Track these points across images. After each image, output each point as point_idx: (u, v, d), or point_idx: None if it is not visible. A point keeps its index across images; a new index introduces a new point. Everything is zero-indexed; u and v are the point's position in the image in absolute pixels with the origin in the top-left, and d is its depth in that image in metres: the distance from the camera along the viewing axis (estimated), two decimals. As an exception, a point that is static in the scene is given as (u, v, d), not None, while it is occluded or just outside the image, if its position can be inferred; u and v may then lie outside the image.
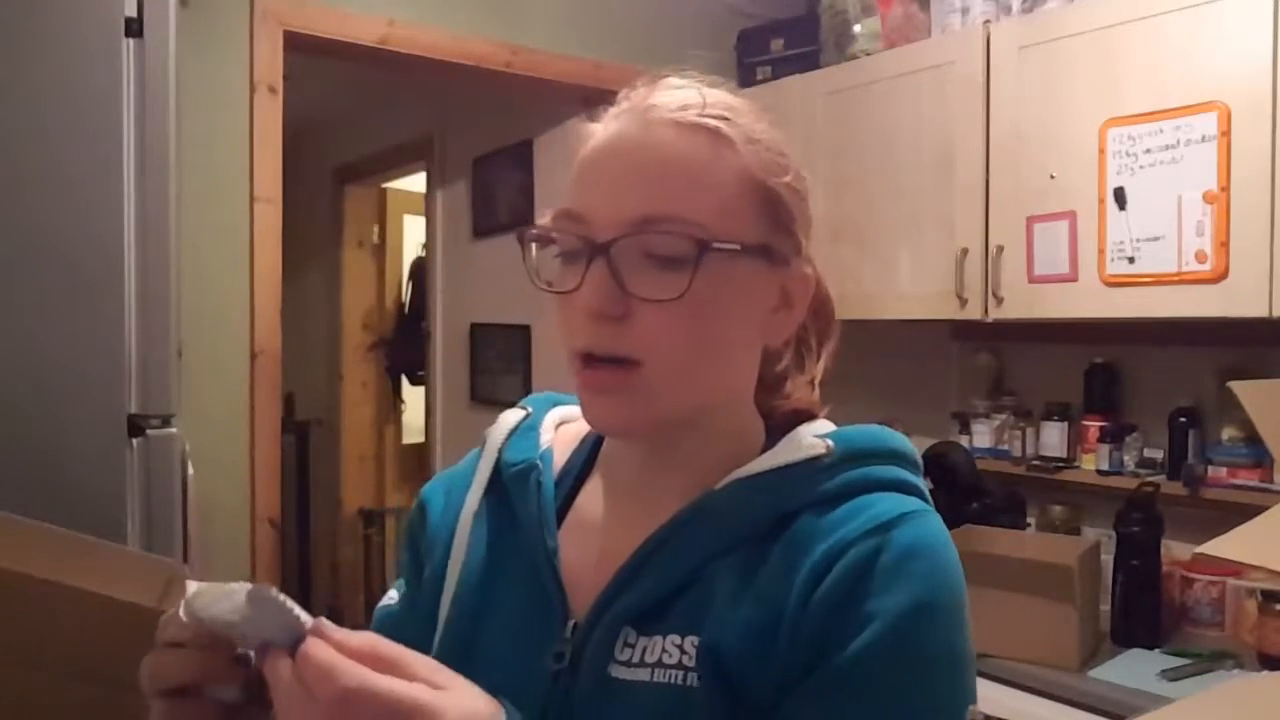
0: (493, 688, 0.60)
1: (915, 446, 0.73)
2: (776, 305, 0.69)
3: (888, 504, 0.65)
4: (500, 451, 0.77)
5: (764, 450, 0.71)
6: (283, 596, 0.54)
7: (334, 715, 0.51)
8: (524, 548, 0.71)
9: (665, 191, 0.63)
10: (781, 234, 0.68)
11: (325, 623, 0.54)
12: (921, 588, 0.61)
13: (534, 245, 0.69)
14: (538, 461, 0.74)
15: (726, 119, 0.66)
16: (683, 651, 0.63)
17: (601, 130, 0.68)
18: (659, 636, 0.64)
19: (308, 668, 0.52)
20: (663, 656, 0.63)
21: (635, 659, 0.64)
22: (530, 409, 0.81)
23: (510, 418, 0.80)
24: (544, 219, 0.68)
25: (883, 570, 0.61)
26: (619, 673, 0.64)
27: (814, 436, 0.69)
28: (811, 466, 0.67)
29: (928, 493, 0.69)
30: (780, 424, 0.74)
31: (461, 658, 0.69)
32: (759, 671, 0.61)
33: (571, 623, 0.67)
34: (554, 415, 0.80)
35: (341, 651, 0.52)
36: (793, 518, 0.65)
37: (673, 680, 0.62)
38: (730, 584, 0.64)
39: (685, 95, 0.67)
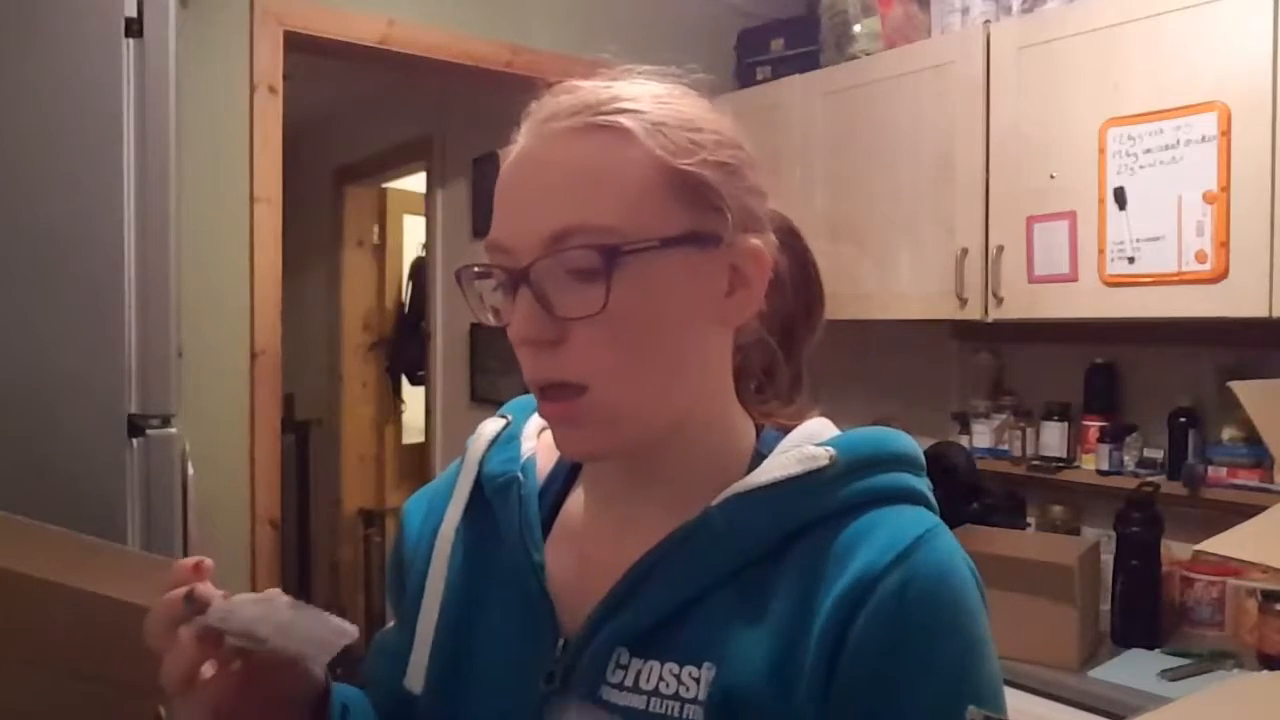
0: (484, 710, 0.59)
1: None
2: (729, 288, 0.65)
3: (899, 523, 0.62)
4: (481, 463, 0.74)
5: (756, 453, 0.68)
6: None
7: None
8: (508, 563, 0.69)
9: (568, 203, 0.60)
10: (710, 214, 0.62)
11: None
12: (955, 625, 0.60)
13: (474, 282, 0.65)
14: (519, 474, 0.72)
15: (625, 111, 0.62)
16: (680, 682, 0.61)
17: (511, 151, 0.64)
18: (655, 662, 0.62)
19: None
20: (660, 685, 0.61)
21: (629, 682, 0.62)
22: (510, 416, 0.77)
23: (489, 427, 0.76)
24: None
25: (914, 606, 0.59)
26: (611, 695, 0.62)
27: (815, 445, 0.65)
28: (815, 479, 0.63)
29: (933, 497, 0.67)
30: (773, 423, 0.70)
31: (450, 679, 0.68)
32: (773, 713, 0.59)
33: (561, 641, 0.65)
34: (535, 421, 0.76)
35: None
36: (798, 536, 0.62)
37: (670, 712, 0.60)
38: (739, 614, 0.62)
39: (581, 97, 0.63)
